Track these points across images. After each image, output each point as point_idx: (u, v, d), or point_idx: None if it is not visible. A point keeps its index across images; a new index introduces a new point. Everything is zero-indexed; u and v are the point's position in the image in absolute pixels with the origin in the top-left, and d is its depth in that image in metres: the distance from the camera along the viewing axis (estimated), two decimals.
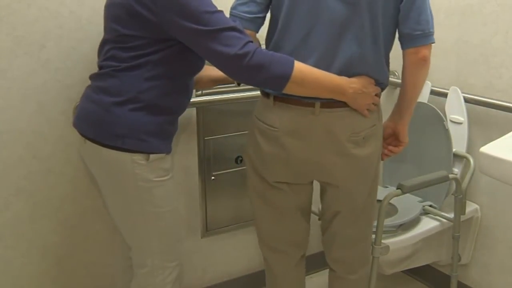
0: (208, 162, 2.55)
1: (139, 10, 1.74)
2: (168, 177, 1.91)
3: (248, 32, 1.86)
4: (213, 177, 2.57)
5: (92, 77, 1.92)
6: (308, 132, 1.89)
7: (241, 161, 2.60)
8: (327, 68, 1.84)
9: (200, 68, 1.93)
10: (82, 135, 1.90)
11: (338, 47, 1.84)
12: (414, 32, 1.86)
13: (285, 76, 1.77)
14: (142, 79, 1.79)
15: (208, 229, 2.64)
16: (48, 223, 2.27)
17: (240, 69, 1.73)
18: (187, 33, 1.72)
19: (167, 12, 1.71)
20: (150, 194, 1.87)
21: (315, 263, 2.87)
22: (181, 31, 1.73)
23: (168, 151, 1.90)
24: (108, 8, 1.87)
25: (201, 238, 2.66)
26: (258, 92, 2.15)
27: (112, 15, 1.84)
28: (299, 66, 1.78)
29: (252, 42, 1.73)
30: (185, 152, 2.51)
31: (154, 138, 1.84)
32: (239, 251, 2.81)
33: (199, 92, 2.38)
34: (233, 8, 1.93)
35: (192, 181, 2.56)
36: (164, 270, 1.98)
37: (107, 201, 2.00)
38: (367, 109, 1.89)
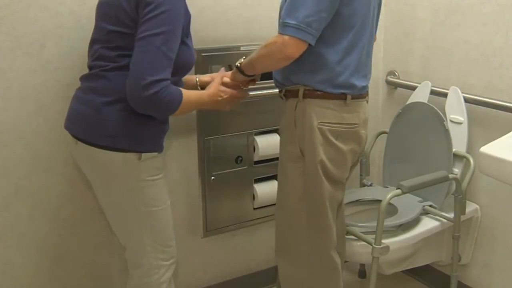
0: (208, 162, 2.55)
1: (124, 7, 1.78)
2: (160, 176, 1.93)
3: (305, 45, 1.89)
4: (213, 177, 2.57)
5: (82, 78, 1.94)
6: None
7: (241, 161, 2.61)
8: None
9: (189, 65, 1.95)
10: (74, 136, 1.91)
11: None
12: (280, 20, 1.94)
13: (172, 112, 1.85)
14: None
15: (208, 229, 2.63)
16: (47, 223, 2.28)
17: (138, 96, 1.75)
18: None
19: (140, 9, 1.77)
20: (143, 194, 1.89)
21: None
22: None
23: (160, 149, 1.92)
24: (99, 7, 1.91)
25: (201, 238, 2.66)
26: (259, 92, 2.24)
27: (102, 14, 1.87)
28: (185, 96, 1.86)
29: (167, 80, 1.76)
30: (185, 152, 2.51)
31: (146, 137, 1.86)
32: (239, 251, 2.81)
33: None
34: (306, 24, 1.86)
35: (192, 181, 2.56)
36: (159, 269, 1.99)
37: (101, 201, 2.02)
38: None
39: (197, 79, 2.24)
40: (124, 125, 1.82)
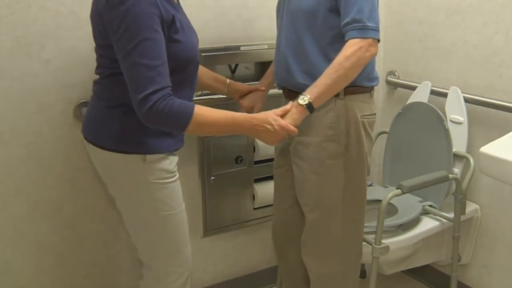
0: (208, 162, 2.54)
1: (102, 24, 1.77)
2: (172, 180, 1.90)
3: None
4: (213, 178, 2.57)
5: (93, 82, 1.95)
6: None
7: (241, 161, 2.60)
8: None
9: (186, 60, 1.86)
10: (84, 138, 1.93)
11: None
12: None
13: (183, 127, 1.77)
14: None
15: (208, 229, 2.63)
16: (48, 223, 2.28)
17: (140, 116, 1.73)
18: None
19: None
20: (152, 197, 1.86)
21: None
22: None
23: (168, 150, 1.88)
24: (91, 18, 1.89)
25: (201, 238, 2.65)
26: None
27: (92, 26, 1.86)
28: (199, 112, 1.77)
29: (163, 89, 1.71)
30: (185, 152, 2.42)
31: (151, 139, 1.83)
32: (239, 251, 2.80)
33: (199, 92, 2.38)
34: (378, 23, 1.97)
35: (192, 181, 2.56)
36: (168, 275, 1.97)
37: (116, 201, 2.00)
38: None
39: (228, 82, 2.27)
40: (126, 127, 1.81)
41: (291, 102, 1.95)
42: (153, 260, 1.96)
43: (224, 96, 2.35)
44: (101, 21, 1.74)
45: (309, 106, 1.93)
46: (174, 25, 1.77)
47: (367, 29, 1.92)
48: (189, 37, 1.87)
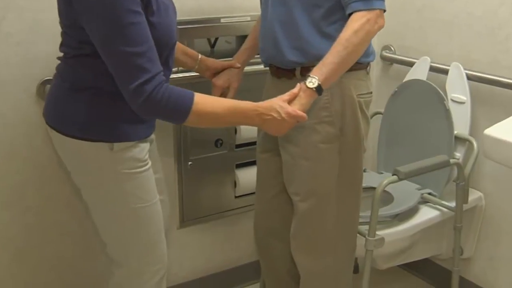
0: (185, 145, 2.50)
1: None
2: (143, 169, 1.84)
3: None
4: (190, 162, 2.52)
5: (58, 59, 1.89)
6: None
7: (221, 144, 2.56)
8: None
9: (161, 43, 1.78)
10: (46, 123, 1.88)
11: None
12: None
13: (183, 118, 1.74)
14: (96, 64, 1.71)
15: (184, 220, 2.58)
16: (8, 213, 2.24)
17: (137, 109, 1.71)
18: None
19: None
20: (120, 188, 1.82)
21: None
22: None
23: (138, 138, 1.82)
24: None
25: (177, 229, 2.61)
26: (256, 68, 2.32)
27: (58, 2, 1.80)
28: (200, 101, 1.75)
29: (156, 75, 1.67)
30: (159, 135, 2.39)
31: (119, 125, 1.79)
32: (219, 244, 2.77)
33: (176, 69, 2.32)
34: None
35: (167, 166, 2.48)
36: (141, 274, 1.93)
37: (82, 191, 1.95)
38: None
39: (200, 57, 2.20)
40: (92, 112, 1.77)
41: (298, 84, 1.90)
42: (124, 258, 1.91)
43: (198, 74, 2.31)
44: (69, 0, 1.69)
45: (319, 89, 1.89)
46: (150, 6, 1.72)
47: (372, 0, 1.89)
48: (166, 19, 1.81)
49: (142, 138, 1.84)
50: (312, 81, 1.87)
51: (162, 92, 1.66)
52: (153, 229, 1.91)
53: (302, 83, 1.89)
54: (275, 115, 1.83)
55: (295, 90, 1.89)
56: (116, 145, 1.76)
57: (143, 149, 1.84)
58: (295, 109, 1.85)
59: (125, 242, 1.89)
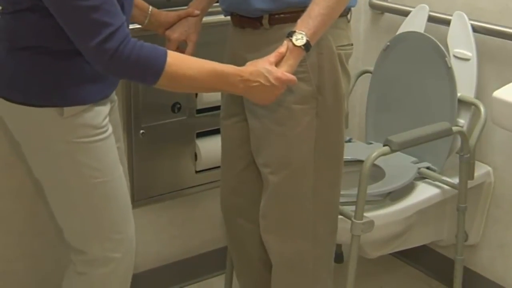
0: (136, 110, 2.36)
1: None
2: (100, 137, 1.76)
3: None
4: (142, 131, 2.38)
5: None
6: None
7: (179, 109, 2.41)
8: None
9: None
10: None
11: None
12: None
13: (156, 75, 1.66)
14: (35, 20, 1.64)
15: (136, 199, 2.41)
16: None
17: (101, 68, 1.64)
18: None
19: None
20: (73, 160, 1.73)
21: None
22: None
23: (92, 100, 1.73)
24: None
25: None
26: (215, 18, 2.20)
27: None
28: (173, 62, 1.67)
29: (118, 30, 1.60)
30: None
31: (66, 86, 1.70)
32: (177, 228, 2.62)
33: None
34: None
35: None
36: (104, 262, 1.85)
37: (32, 167, 1.88)
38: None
39: (150, 11, 2.07)
40: (35, 74, 1.69)
41: (285, 42, 1.81)
42: (84, 244, 1.83)
43: None
44: None
45: (307, 46, 1.80)
46: None
47: None
48: None
49: (98, 99, 1.74)
50: (301, 38, 1.78)
51: (130, 48, 1.59)
52: (116, 208, 1.84)
53: (288, 41, 1.79)
54: (262, 81, 1.74)
55: (282, 49, 1.79)
56: (66, 110, 1.68)
57: (99, 113, 1.74)
58: (283, 71, 1.78)
59: (83, 225, 1.82)
